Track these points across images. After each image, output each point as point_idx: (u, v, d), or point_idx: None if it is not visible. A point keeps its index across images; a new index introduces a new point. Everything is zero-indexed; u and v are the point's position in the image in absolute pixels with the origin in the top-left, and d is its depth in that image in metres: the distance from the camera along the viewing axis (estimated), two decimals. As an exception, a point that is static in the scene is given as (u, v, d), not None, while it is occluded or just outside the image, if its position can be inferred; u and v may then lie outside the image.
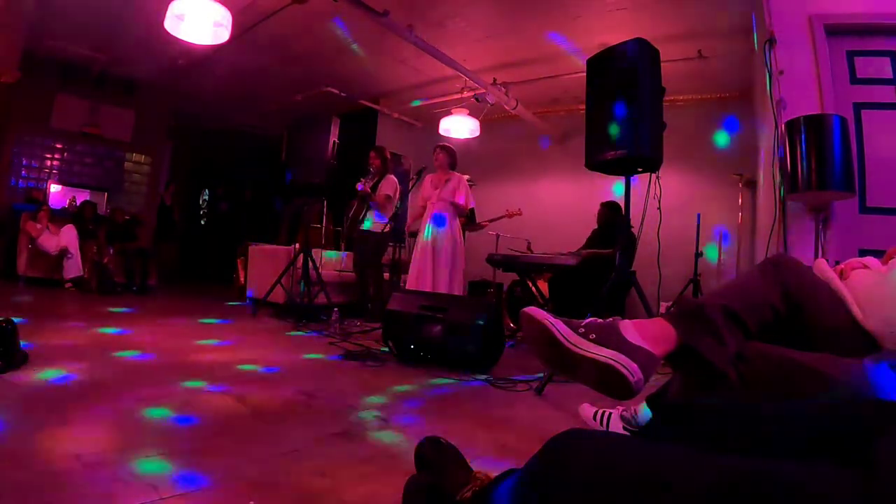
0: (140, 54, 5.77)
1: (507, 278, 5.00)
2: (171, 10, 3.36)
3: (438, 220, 4.09)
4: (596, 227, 4.62)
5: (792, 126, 2.51)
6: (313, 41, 5.25)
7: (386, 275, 4.92)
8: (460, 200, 4.10)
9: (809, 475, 0.50)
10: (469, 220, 4.99)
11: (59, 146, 6.56)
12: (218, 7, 3.44)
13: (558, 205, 6.32)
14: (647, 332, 0.84)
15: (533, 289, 4.29)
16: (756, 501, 0.52)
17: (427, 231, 4.12)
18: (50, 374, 1.96)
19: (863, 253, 1.25)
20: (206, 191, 10.03)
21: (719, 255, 5.27)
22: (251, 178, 9.42)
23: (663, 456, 0.64)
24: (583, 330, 0.85)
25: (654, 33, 3.29)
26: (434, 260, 4.02)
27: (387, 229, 4.53)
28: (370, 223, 4.58)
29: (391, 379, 2.44)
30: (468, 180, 5.36)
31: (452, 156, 4.22)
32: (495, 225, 5.04)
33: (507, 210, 4.95)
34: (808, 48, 2.73)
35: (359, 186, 4.58)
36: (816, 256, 2.51)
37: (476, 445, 1.52)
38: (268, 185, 8.96)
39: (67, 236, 5.54)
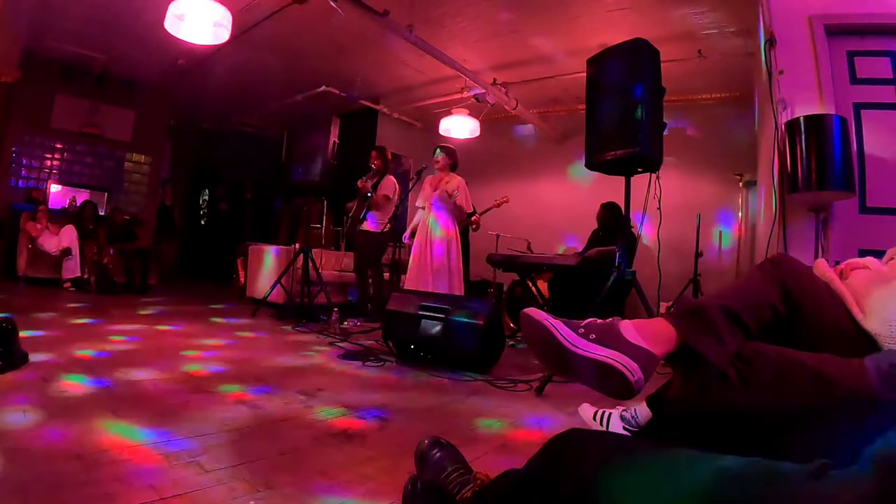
0: (140, 54, 5.77)
1: (507, 278, 4.99)
2: (171, 10, 3.36)
3: (435, 222, 4.07)
4: (596, 227, 4.63)
5: (792, 126, 2.51)
6: (313, 41, 5.25)
7: (386, 275, 4.92)
8: (462, 203, 4.07)
9: (809, 475, 0.50)
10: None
11: (59, 146, 6.56)
12: (218, 7, 3.43)
13: (558, 205, 6.32)
14: (647, 332, 0.84)
15: (533, 289, 4.29)
16: (755, 501, 0.52)
17: (424, 232, 4.10)
18: (50, 373, 1.96)
19: (863, 253, 1.25)
20: (206, 191, 10.02)
21: (719, 255, 5.27)
22: (251, 178, 9.42)
23: (663, 456, 0.64)
24: (582, 330, 0.85)
25: (654, 33, 3.29)
26: (430, 262, 4.00)
27: (386, 229, 4.52)
28: (370, 223, 4.57)
29: (391, 379, 2.44)
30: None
31: (453, 157, 4.20)
32: (495, 225, 5.02)
33: (495, 200, 4.93)
34: (808, 48, 2.72)
35: (359, 183, 4.58)
36: (816, 256, 2.51)
37: (476, 445, 1.52)
38: (268, 185, 8.95)
39: (67, 236, 5.54)
